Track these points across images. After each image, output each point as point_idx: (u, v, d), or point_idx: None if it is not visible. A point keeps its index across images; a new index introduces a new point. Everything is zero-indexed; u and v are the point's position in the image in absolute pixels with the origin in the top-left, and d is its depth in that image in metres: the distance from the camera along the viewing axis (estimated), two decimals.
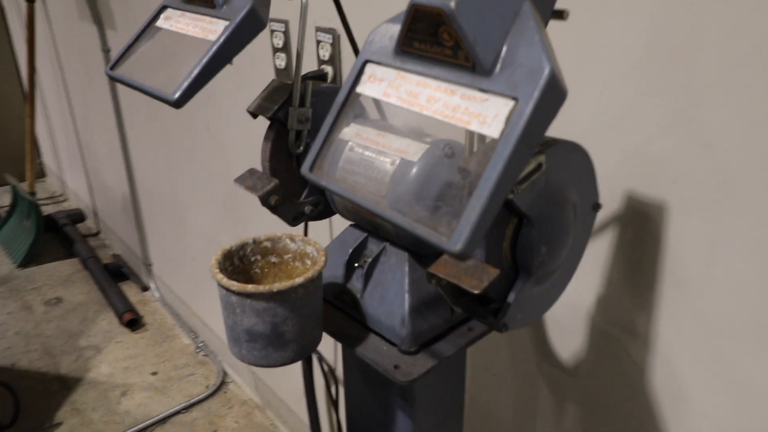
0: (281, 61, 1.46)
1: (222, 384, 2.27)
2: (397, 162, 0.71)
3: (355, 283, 0.80)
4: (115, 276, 2.96)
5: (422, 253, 0.78)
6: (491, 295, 0.66)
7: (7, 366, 2.40)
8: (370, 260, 0.78)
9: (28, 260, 3.15)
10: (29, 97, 3.26)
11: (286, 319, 0.67)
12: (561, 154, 0.62)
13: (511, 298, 0.65)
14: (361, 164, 0.76)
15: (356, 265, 0.80)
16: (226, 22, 0.70)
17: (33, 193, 3.25)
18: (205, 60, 0.69)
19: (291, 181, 0.90)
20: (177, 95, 0.68)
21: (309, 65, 1.34)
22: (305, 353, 0.72)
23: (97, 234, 3.49)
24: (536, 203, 0.61)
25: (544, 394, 1.07)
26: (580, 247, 0.73)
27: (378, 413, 0.90)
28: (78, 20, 2.62)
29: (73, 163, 3.56)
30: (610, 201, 0.85)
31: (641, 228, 0.84)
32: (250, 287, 0.65)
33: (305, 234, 1.07)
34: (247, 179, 0.89)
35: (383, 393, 0.86)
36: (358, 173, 0.76)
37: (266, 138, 0.88)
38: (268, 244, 0.76)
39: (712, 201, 0.75)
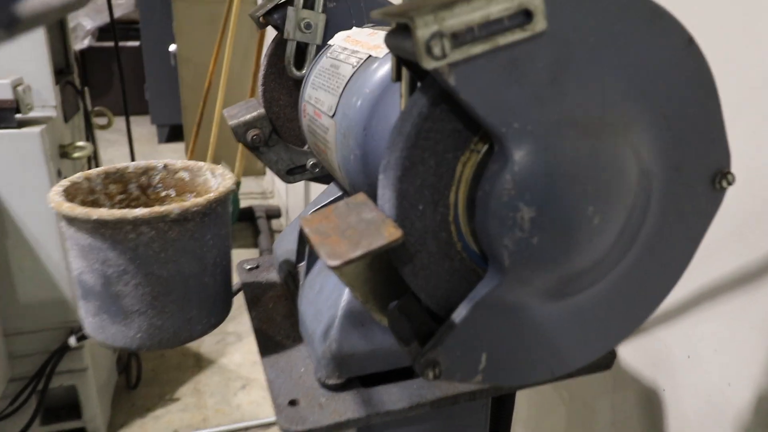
0: None
1: None
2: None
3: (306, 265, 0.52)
4: None
5: None
6: (430, 303, 0.33)
7: None
8: None
9: None
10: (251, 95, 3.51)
11: (123, 273, 0.42)
12: (600, 17, 0.28)
13: (459, 313, 0.31)
14: (328, 72, 0.48)
15: None
16: None
17: (238, 183, 3.48)
18: None
19: (293, 120, 0.65)
20: None
21: None
22: (167, 341, 0.45)
23: None
24: (514, 109, 0.27)
25: None
26: (673, 250, 0.35)
27: None
28: None
29: None
30: None
31: None
32: (66, 206, 0.41)
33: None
34: (236, 107, 0.66)
35: None
36: (321, 86, 0.48)
37: (265, 53, 0.64)
38: (185, 174, 0.52)
39: None
